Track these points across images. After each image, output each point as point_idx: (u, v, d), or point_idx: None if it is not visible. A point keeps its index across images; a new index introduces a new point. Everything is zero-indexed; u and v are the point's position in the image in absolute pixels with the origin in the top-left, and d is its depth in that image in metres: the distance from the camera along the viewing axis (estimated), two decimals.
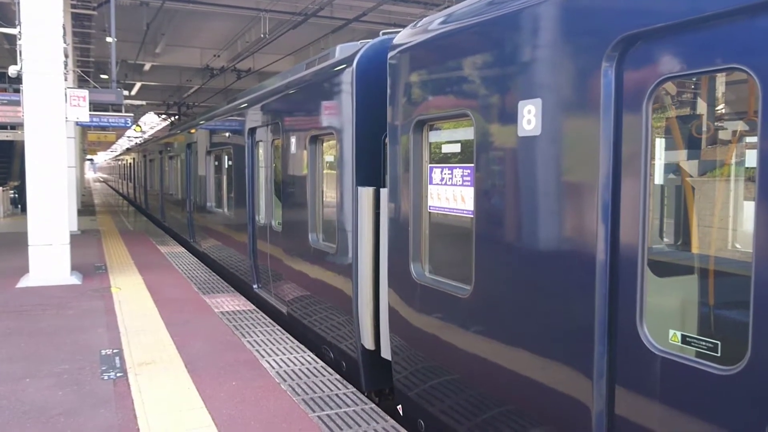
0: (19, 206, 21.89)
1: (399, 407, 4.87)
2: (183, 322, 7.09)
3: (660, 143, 2.83)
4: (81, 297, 8.42)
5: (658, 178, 2.85)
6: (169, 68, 29.38)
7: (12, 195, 22.54)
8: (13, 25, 9.93)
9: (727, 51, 2.32)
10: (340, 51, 5.74)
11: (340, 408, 4.61)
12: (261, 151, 8.35)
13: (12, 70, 9.81)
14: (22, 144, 9.83)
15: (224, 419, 4.38)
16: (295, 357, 5.82)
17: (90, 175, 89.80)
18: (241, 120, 9.09)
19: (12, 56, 11.42)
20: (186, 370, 5.41)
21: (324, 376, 5.31)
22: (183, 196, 14.68)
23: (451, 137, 4.21)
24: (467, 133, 3.88)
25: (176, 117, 39.00)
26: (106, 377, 5.24)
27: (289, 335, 6.58)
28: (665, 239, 2.98)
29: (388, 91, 4.68)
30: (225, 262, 10.35)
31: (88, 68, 22.94)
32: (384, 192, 4.88)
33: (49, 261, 9.31)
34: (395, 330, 4.70)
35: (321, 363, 5.66)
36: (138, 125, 38.34)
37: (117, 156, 58.82)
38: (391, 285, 4.72)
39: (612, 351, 2.83)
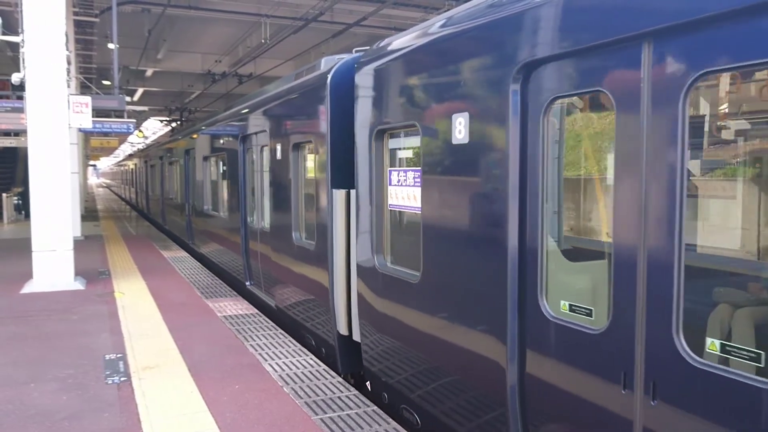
0: (23, 212, 21.96)
1: (368, 384, 5.54)
2: (186, 326, 7.13)
3: (555, 147, 3.40)
4: (85, 302, 8.46)
5: (554, 177, 3.45)
6: (171, 74, 29.48)
7: (16, 201, 22.61)
8: (16, 33, 10.00)
9: (594, 77, 2.95)
10: (325, 63, 6.23)
11: (343, 411, 4.63)
12: (251, 157, 8.93)
13: (15, 78, 9.87)
14: (25, 150, 9.88)
15: (227, 422, 4.41)
16: (297, 360, 5.85)
17: (93, 180, 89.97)
18: (233, 128, 9.73)
19: (15, 63, 11.49)
20: (189, 374, 5.44)
21: (326, 379, 5.34)
22: (182, 201, 15.25)
23: (405, 144, 4.87)
24: (416, 141, 4.50)
25: (178, 123, 39.08)
26: (110, 381, 5.28)
27: (291, 339, 6.60)
28: (567, 229, 3.49)
29: (355, 103, 5.32)
30: (220, 262, 10.98)
31: (90, 75, 23.02)
32: (353, 193, 5.47)
33: (53, 266, 9.35)
34: (363, 315, 5.35)
35: (323, 366, 5.69)
36: (140, 131, 38.46)
37: (119, 162, 59.70)
38: (359, 275, 5.37)
39: (522, 320, 3.46)
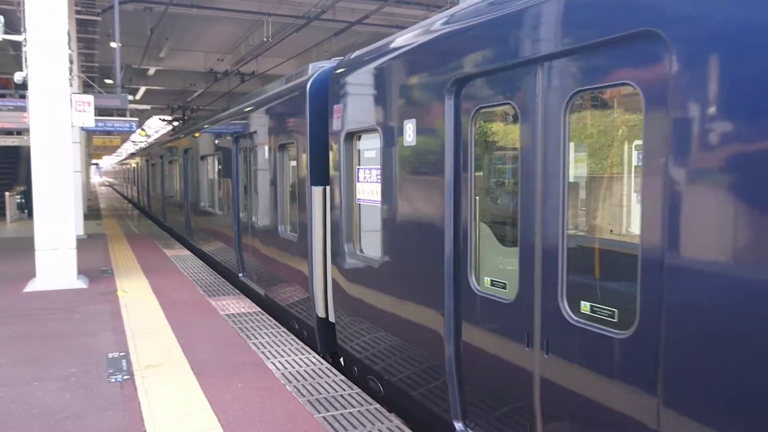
0: (26, 211, 22.00)
1: (341, 360, 6.21)
2: (189, 324, 7.14)
3: (481, 148, 4.07)
4: (87, 301, 8.48)
5: (481, 173, 4.13)
6: (173, 72, 29.51)
7: (18, 200, 22.66)
8: (19, 32, 10.01)
9: (506, 92, 3.58)
10: (312, 69, 6.80)
11: (345, 408, 4.64)
12: (243, 157, 9.56)
13: (18, 77, 9.88)
14: (28, 149, 9.93)
15: (230, 420, 4.42)
16: (300, 358, 5.86)
17: (95, 179, 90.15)
18: (227, 129, 10.35)
19: (18, 62, 11.51)
20: (192, 372, 5.45)
21: (329, 377, 5.34)
22: (181, 198, 15.81)
23: (370, 146, 5.46)
24: (377, 143, 5.14)
25: (181, 121, 39.13)
26: (113, 380, 5.29)
27: (294, 337, 6.61)
28: (491, 216, 4.16)
29: (329, 109, 5.95)
30: (216, 256, 11.64)
31: (92, 73, 23.07)
32: (329, 189, 6.11)
33: (56, 265, 9.37)
34: (336, 298, 6.02)
35: (326, 364, 5.69)
36: (143, 129, 38.52)
37: (121, 161, 60.46)
38: (333, 262, 6.01)
39: (456, 295, 4.11)
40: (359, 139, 5.63)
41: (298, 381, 5.23)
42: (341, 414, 4.54)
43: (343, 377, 5.33)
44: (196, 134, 13.66)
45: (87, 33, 19.87)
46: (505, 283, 3.81)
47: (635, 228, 2.87)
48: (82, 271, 9.84)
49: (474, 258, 3.99)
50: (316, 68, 6.70)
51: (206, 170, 12.72)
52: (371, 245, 5.41)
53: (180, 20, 21.19)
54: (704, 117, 2.45)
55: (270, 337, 6.59)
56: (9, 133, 20.77)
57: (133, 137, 51.93)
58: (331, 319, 6.21)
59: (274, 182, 7.76)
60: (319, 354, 6.45)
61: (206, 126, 12.56)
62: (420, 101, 4.42)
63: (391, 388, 5.06)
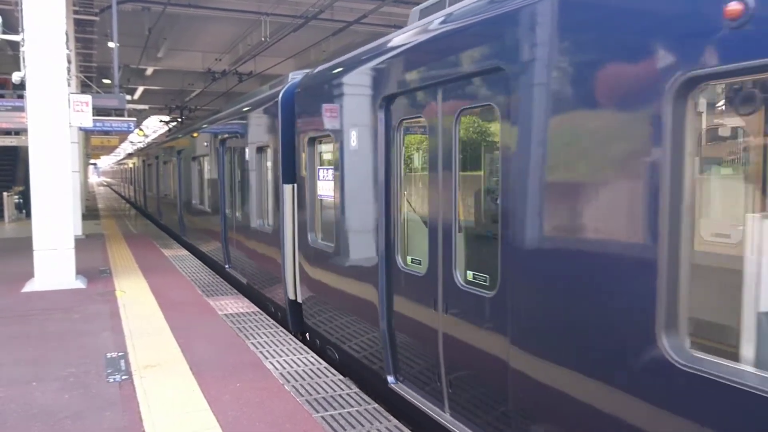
0: (24, 211, 21.98)
1: (307, 335, 7.23)
2: (187, 324, 7.14)
3: (408, 153, 4.95)
4: (86, 301, 8.48)
5: (407, 172, 4.96)
6: (171, 72, 29.47)
7: (17, 200, 22.63)
8: (17, 32, 10.01)
9: (419, 108, 4.51)
10: (292, 77, 7.61)
11: (344, 408, 4.65)
12: (228, 158, 10.53)
13: (15, 77, 9.88)
14: (26, 149, 9.91)
15: (229, 420, 4.43)
16: (298, 358, 5.87)
17: (93, 179, 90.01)
18: (214, 133, 11.40)
19: (15, 62, 11.50)
20: (191, 372, 5.46)
21: (327, 377, 5.35)
22: (175, 197, 16.78)
23: (326, 150, 6.39)
24: (331, 146, 6.05)
25: (179, 121, 39.11)
26: (111, 380, 5.29)
27: (293, 337, 6.62)
28: (412, 208, 4.95)
29: (295, 116, 6.93)
30: (205, 249, 12.66)
31: (90, 73, 23.03)
32: (297, 186, 7.05)
33: (54, 265, 9.36)
34: (302, 281, 6.94)
35: (324, 364, 5.70)
36: (141, 129, 38.50)
37: (119, 161, 61.38)
38: (299, 250, 6.99)
39: (388, 272, 5.01)
40: (320, 143, 6.57)
41: (297, 381, 5.24)
42: (340, 413, 4.55)
43: (341, 377, 5.35)
44: (188, 136, 14.65)
45: (85, 33, 19.84)
46: (420, 261, 4.70)
47: (498, 218, 3.69)
48: (80, 271, 9.84)
49: (400, 242, 4.93)
50: (291, 78, 7.58)
51: (197, 171, 13.63)
52: (328, 234, 6.32)
53: (178, 20, 21.17)
54: (531, 127, 3.33)
55: (268, 337, 6.60)
56: (7, 133, 20.73)
57: (130, 137, 51.90)
58: (299, 300, 7.13)
59: (253, 181, 8.78)
60: (291, 333, 7.08)
61: (196, 129, 13.62)
62: (360, 113, 5.37)
63: (344, 355, 6.06)
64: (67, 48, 10.04)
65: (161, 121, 42.62)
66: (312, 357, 5.91)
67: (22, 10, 9.32)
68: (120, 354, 6.02)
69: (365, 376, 5.58)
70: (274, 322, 7.25)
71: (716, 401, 2.34)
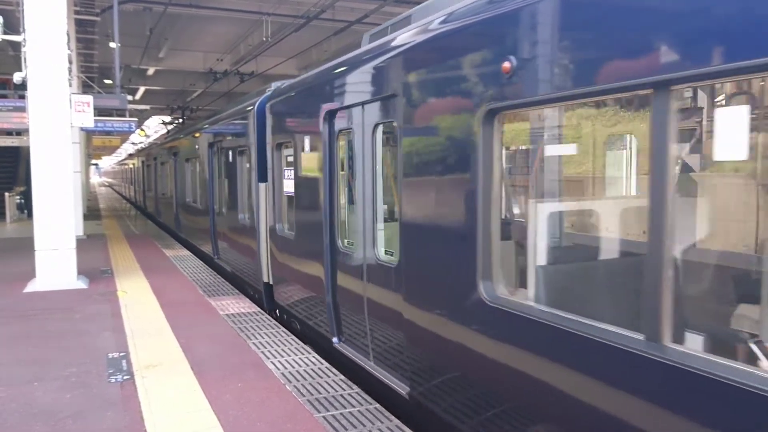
0: (26, 211, 21.99)
1: (277, 311, 8.34)
2: (188, 324, 7.14)
3: (345, 157, 6.00)
4: (87, 301, 8.48)
5: (345, 173, 6.05)
6: (173, 72, 29.49)
7: (18, 200, 22.64)
8: (18, 32, 10.01)
9: (351, 121, 5.55)
10: (273, 86, 8.58)
11: (345, 408, 4.64)
12: (216, 159, 11.77)
13: (17, 77, 9.88)
14: (27, 149, 9.91)
15: (230, 420, 4.42)
16: (299, 358, 5.86)
17: (95, 179, 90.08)
18: (206, 136, 12.60)
19: (17, 63, 11.50)
20: (192, 372, 5.45)
21: (329, 377, 5.35)
22: (171, 195, 17.82)
23: (289, 153, 7.43)
24: (292, 151, 7.20)
25: (180, 121, 39.15)
26: (113, 380, 5.29)
27: (294, 337, 6.62)
28: (348, 201, 6.04)
29: (267, 124, 8.07)
30: (198, 243, 13.71)
31: (92, 73, 23.04)
32: (269, 184, 8.17)
33: (56, 265, 9.37)
34: (273, 265, 8.11)
35: (326, 364, 5.70)
36: (142, 129, 38.55)
37: (120, 161, 62.88)
38: (271, 239, 8.11)
39: (332, 254, 6.08)
40: (285, 148, 7.60)
41: (298, 381, 5.24)
42: (341, 413, 4.54)
43: (343, 377, 5.34)
44: (181, 139, 16.12)
45: (86, 33, 19.85)
46: (353, 242, 5.74)
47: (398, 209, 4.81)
48: (81, 272, 9.84)
49: (340, 228, 6.05)
50: (272, 88, 8.60)
51: (190, 171, 14.83)
52: (290, 224, 7.46)
53: (179, 20, 21.18)
54: (416, 139, 4.42)
55: (270, 337, 6.60)
56: (9, 133, 20.75)
57: (131, 138, 51.95)
58: (271, 282, 8.27)
59: (236, 180, 10.05)
60: (266, 311, 8.15)
61: (189, 133, 15.08)
62: (311, 124, 6.50)
63: (303, 325, 7.20)
64: (69, 48, 10.04)
65: (162, 122, 42.71)
66: (313, 357, 5.91)
67: (23, 10, 9.32)
68: (121, 354, 6.02)
69: (318, 341, 6.68)
70: (276, 323, 7.26)
71: (512, 325, 3.47)
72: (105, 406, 4.71)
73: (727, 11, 2.24)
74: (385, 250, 5.17)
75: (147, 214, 25.57)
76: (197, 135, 13.55)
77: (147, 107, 39.54)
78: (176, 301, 8.44)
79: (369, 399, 4.84)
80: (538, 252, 3.76)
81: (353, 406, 4.68)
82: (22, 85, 9.70)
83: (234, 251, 10.33)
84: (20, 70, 9.67)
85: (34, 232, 9.34)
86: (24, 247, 12.02)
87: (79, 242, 10.41)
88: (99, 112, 13.87)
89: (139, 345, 6.32)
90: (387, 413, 4.55)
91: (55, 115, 9.29)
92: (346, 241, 5.95)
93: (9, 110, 15.14)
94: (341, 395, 4.91)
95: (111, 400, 4.83)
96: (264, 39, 20.36)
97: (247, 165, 9.20)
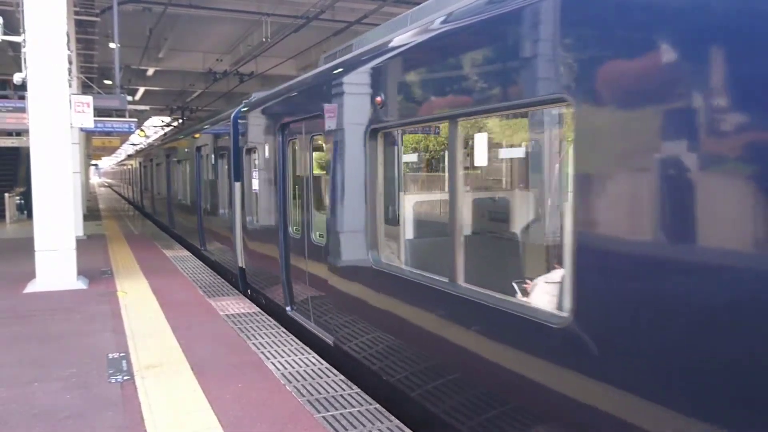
0: (25, 212, 21.97)
1: (248, 291, 9.61)
2: (188, 325, 7.15)
3: (293, 161, 7.40)
4: (87, 301, 8.48)
5: (292, 174, 7.50)
6: (173, 73, 29.49)
7: (18, 201, 22.63)
8: (18, 33, 10.02)
9: (295, 133, 7.09)
10: (255, 96, 9.44)
11: (345, 408, 4.65)
12: (202, 161, 13.40)
13: (17, 77, 9.89)
14: (27, 150, 9.91)
15: (230, 420, 4.43)
16: (299, 359, 5.87)
17: (95, 180, 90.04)
18: (192, 141, 14.33)
19: (17, 63, 11.50)
20: (192, 373, 5.46)
21: (329, 377, 5.35)
22: (165, 194, 19.23)
23: (255, 157, 8.92)
24: (257, 155, 8.72)
25: (180, 121, 39.17)
26: (113, 380, 5.30)
27: (294, 337, 6.63)
28: (296, 195, 7.31)
29: (239, 132, 9.74)
30: (188, 237, 15.13)
31: (91, 74, 23.02)
32: (243, 183, 9.68)
33: (56, 266, 9.37)
34: (245, 252, 9.61)
35: (325, 364, 5.70)
36: (142, 130, 38.54)
37: (118, 162, 65.03)
38: (243, 230, 9.60)
39: (285, 240, 7.48)
40: (254, 152, 8.99)
41: (298, 381, 5.24)
42: (341, 414, 4.55)
43: (343, 377, 5.35)
44: (174, 143, 17.85)
45: (86, 34, 19.84)
46: (300, 229, 7.08)
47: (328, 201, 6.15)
48: (82, 272, 9.84)
49: (290, 218, 7.46)
50: (256, 95, 9.63)
51: (181, 172, 16.44)
52: (258, 215, 8.94)
53: (179, 20, 21.18)
54: (332, 150, 5.84)
55: (270, 338, 6.60)
56: (8, 133, 20.75)
57: (131, 138, 52.01)
58: (244, 267, 9.73)
59: (217, 180, 11.61)
60: (240, 292, 9.38)
61: (181, 136, 16.94)
62: (270, 133, 8.00)
63: (267, 300, 8.52)
64: (68, 49, 10.05)
65: (163, 123, 42.74)
66: (313, 357, 5.91)
67: (23, 11, 9.33)
68: (121, 354, 6.03)
69: (278, 311, 7.95)
70: (276, 323, 7.26)
71: (388, 282, 4.92)
72: (105, 407, 4.71)
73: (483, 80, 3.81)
74: (319, 234, 6.52)
75: (144, 212, 26.59)
76: (186, 139, 15.43)
77: (147, 108, 39.56)
78: (176, 301, 8.44)
79: (369, 399, 4.85)
80: (405, 231, 5.27)
81: (353, 406, 4.68)
82: (23, 86, 9.71)
83: (217, 242, 11.87)
84: (20, 70, 9.68)
85: (34, 232, 9.34)
86: (24, 247, 12.02)
87: (79, 243, 10.42)
88: (99, 112, 13.86)
89: (139, 345, 6.32)
90: (387, 413, 4.56)
91: (55, 116, 9.29)
92: (294, 228, 7.36)
93: (9, 111, 15.15)
94: (341, 395, 4.91)
95: (111, 401, 4.83)
96: (263, 39, 20.36)
97: (226, 167, 10.68)
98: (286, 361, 5.79)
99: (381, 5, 16.68)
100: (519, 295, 3.90)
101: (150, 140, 49.09)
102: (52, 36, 9.26)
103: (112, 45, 16.38)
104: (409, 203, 5.33)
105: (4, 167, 24.65)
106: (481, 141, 4.67)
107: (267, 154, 7.98)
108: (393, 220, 5.47)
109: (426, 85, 4.44)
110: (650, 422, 2.68)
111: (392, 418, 4.47)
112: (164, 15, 19.19)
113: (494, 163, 5.70)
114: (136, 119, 19.73)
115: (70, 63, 11.52)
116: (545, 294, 3.66)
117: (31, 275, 9.55)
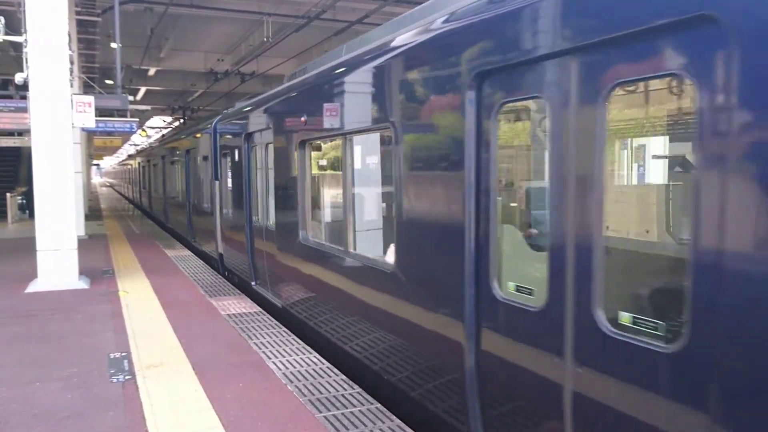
0: (27, 212, 21.99)
1: (226, 273, 11.14)
2: (190, 324, 7.15)
3: (255, 163, 9.22)
4: (89, 301, 8.49)
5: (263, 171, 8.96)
6: (174, 73, 29.49)
7: (20, 201, 22.65)
8: (20, 33, 10.02)
9: (259, 142, 8.98)
10: (238, 105, 10.74)
11: (346, 408, 4.65)
12: (191, 162, 14.98)
13: (18, 77, 9.89)
14: (29, 150, 9.92)
15: (231, 420, 4.43)
16: (301, 358, 5.87)
17: (96, 179, 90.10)
18: (183, 143, 16.19)
19: (18, 63, 11.51)
20: (193, 372, 5.46)
21: (330, 377, 5.35)
22: (161, 192, 20.78)
23: (230, 159, 10.40)
24: (230, 159, 10.38)
25: (181, 120, 39.21)
26: (114, 380, 5.30)
27: (295, 337, 6.63)
28: (259, 191, 9.04)
29: (217, 138, 11.42)
30: (181, 231, 16.59)
31: (93, 74, 23.04)
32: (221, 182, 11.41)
33: (57, 266, 9.38)
34: (222, 239, 11.32)
35: (327, 364, 5.70)
36: (143, 130, 38.59)
37: (118, 163, 68.28)
38: (221, 220, 11.31)
39: (250, 226, 9.23)
40: (227, 156, 10.66)
41: (299, 381, 5.24)
42: (342, 413, 4.54)
43: (344, 377, 5.35)
44: (168, 145, 19.55)
45: (87, 34, 19.85)
46: (259, 218, 8.71)
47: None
48: (83, 272, 9.85)
49: (258, 209, 8.83)
50: (240, 104, 10.93)
51: (174, 171, 17.93)
52: (230, 209, 10.72)
53: (180, 20, 21.18)
54: (278, 156, 7.73)
55: (271, 337, 6.60)
56: (10, 133, 20.76)
57: (133, 138, 52.07)
58: (222, 252, 11.37)
59: (203, 178, 13.21)
60: (221, 275, 10.85)
61: (174, 140, 18.78)
62: (238, 141, 9.63)
63: (239, 278, 10.15)
64: (70, 49, 10.05)
65: (164, 122, 42.79)
66: (315, 357, 5.91)
67: (24, 11, 9.33)
68: (123, 354, 6.03)
69: (246, 287, 9.46)
70: (277, 323, 7.26)
71: (312, 253, 6.58)
72: (106, 406, 4.71)
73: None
74: (271, 222, 8.08)
75: (142, 209, 28.41)
76: (178, 142, 17.39)
77: (148, 107, 39.59)
78: (177, 301, 8.45)
79: (370, 399, 4.85)
80: (324, 215, 7.17)
81: (354, 406, 4.68)
82: (24, 86, 9.71)
83: (202, 233, 13.65)
84: (22, 70, 9.68)
85: (36, 232, 9.35)
86: (25, 247, 12.03)
87: (81, 242, 10.42)
88: (100, 112, 13.88)
89: (140, 345, 6.32)
90: (388, 413, 4.56)
91: (57, 116, 9.30)
92: (256, 217, 8.92)
93: (11, 111, 15.15)
94: (342, 395, 4.91)
95: (112, 400, 4.83)
96: (265, 39, 20.35)
97: (209, 168, 12.32)
98: (287, 360, 5.79)
99: (382, 5, 16.67)
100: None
101: (149, 141, 49.49)
102: (54, 36, 9.27)
103: (113, 45, 16.38)
104: (328, 196, 7.33)
105: (5, 167, 24.66)
106: (358, 151, 6.31)
107: (236, 157, 9.88)
108: (317, 208, 7.20)
109: (326, 112, 6.15)
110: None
111: (393, 417, 4.47)
112: (165, 15, 19.19)
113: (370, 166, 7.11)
114: (137, 119, 19.71)
115: (72, 63, 11.53)
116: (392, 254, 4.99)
117: (32, 275, 9.56)
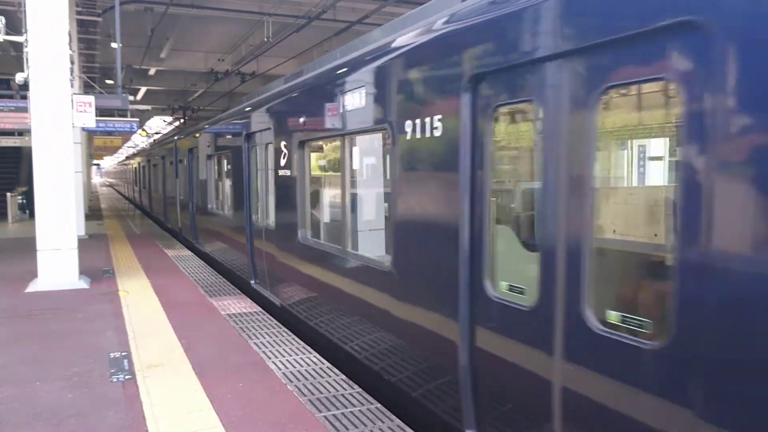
0: (27, 211, 22.00)
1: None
2: (190, 324, 7.16)
3: (255, 162, 9.39)
4: (89, 301, 8.50)
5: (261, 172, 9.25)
6: (174, 72, 29.50)
7: (20, 200, 22.65)
8: (20, 33, 10.03)
9: (256, 141, 9.12)
10: (234, 109, 11.28)
11: (347, 408, 4.65)
12: (187, 163, 15.41)
13: (19, 77, 9.89)
14: (29, 150, 9.93)
15: (232, 420, 4.44)
16: (301, 358, 5.87)
17: (97, 179, 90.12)
18: (180, 144, 16.66)
19: (19, 63, 11.51)
20: (194, 372, 5.47)
21: (330, 376, 5.36)
22: (161, 192, 21.02)
23: (226, 161, 10.97)
24: (215, 162, 12.16)
25: (182, 120, 39.23)
26: (115, 380, 5.31)
27: (295, 336, 6.64)
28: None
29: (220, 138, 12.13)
30: (175, 226, 17.29)
31: (93, 74, 23.06)
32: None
33: (58, 265, 9.39)
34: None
35: (327, 364, 5.71)
36: (144, 130, 38.63)
37: (118, 163, 70.80)
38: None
39: (250, 224, 9.30)
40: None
41: (300, 381, 5.25)
42: (342, 413, 4.55)
43: (344, 377, 5.35)
44: (167, 146, 19.70)
45: (88, 33, 19.87)
46: (258, 217, 8.87)
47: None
48: (83, 272, 9.86)
49: (253, 206, 9.09)
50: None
51: (173, 171, 18.21)
52: (221, 205, 11.66)
53: (180, 20, 21.19)
54: (277, 155, 7.75)
55: (271, 337, 6.61)
56: (11, 133, 20.76)
57: (133, 138, 52.12)
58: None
59: (196, 178, 14.25)
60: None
61: (170, 142, 19.10)
62: (237, 141, 9.85)
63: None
64: (70, 48, 10.05)
65: (165, 122, 42.85)
66: (315, 357, 5.92)
67: (25, 11, 9.34)
68: (123, 354, 6.04)
69: (235, 279, 10.11)
70: (278, 323, 7.27)
71: (311, 252, 6.69)
72: (107, 406, 4.72)
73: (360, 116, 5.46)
74: (272, 221, 8.10)
75: (141, 208, 28.82)
76: (173, 143, 17.78)
77: (148, 107, 39.54)
78: (178, 301, 8.45)
79: (370, 399, 4.86)
80: (323, 216, 7.18)
81: (354, 406, 4.69)
82: (25, 86, 9.71)
83: (198, 228, 14.52)
84: (22, 70, 9.69)
85: (36, 232, 9.35)
86: (26, 247, 12.05)
87: (81, 242, 10.43)
88: (101, 112, 13.90)
89: (140, 345, 6.33)
90: (388, 413, 4.57)
91: (57, 116, 9.30)
92: (256, 216, 9.03)
93: (11, 110, 15.17)
94: (342, 395, 4.92)
95: (113, 400, 4.84)
96: (265, 39, 20.37)
97: (215, 168, 12.90)
98: (287, 360, 5.80)
99: (382, 5, 16.68)
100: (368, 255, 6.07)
101: (148, 141, 49.72)
102: (54, 36, 9.27)
103: (113, 45, 16.38)
104: (327, 196, 7.34)
105: (6, 167, 24.67)
106: (356, 152, 6.42)
107: (225, 163, 10.84)
108: (316, 207, 7.27)
109: (326, 113, 6.18)
110: None
111: (393, 417, 4.48)
112: (166, 15, 19.20)
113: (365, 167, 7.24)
114: (137, 119, 19.72)
115: (72, 63, 11.53)
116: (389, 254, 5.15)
117: (33, 275, 9.57)
